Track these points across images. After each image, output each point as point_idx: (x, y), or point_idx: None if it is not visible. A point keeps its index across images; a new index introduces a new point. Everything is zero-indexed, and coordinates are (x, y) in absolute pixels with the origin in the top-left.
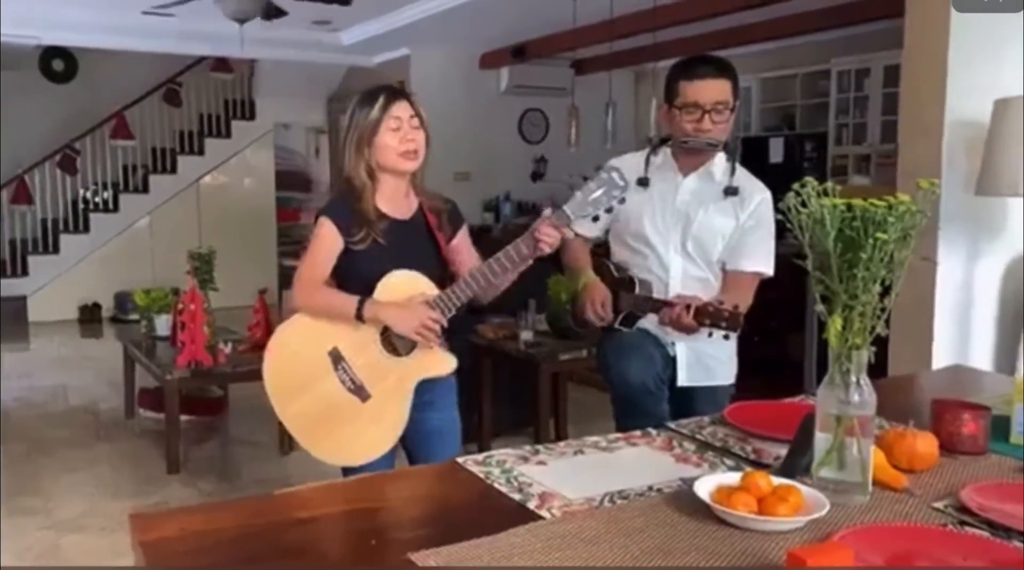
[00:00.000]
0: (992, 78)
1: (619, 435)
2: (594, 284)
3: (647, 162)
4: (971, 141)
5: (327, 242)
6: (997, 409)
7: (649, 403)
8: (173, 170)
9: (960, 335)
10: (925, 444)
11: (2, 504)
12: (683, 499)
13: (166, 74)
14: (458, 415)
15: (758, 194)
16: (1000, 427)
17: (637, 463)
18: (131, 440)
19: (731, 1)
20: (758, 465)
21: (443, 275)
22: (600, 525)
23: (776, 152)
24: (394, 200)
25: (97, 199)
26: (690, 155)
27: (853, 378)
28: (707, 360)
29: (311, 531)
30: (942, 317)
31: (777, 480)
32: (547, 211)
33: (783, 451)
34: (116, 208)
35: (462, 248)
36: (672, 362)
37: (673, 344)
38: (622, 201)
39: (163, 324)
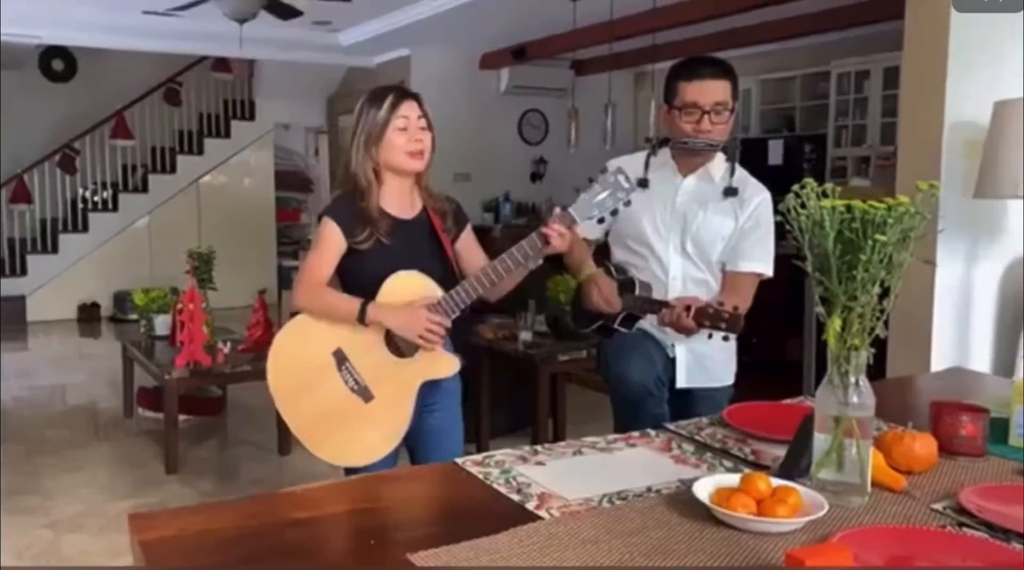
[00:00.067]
0: (992, 80)
1: (618, 436)
2: (599, 274)
3: (647, 163)
4: (970, 143)
5: (329, 243)
6: (996, 411)
7: (648, 404)
8: (172, 170)
9: (959, 337)
10: (924, 446)
11: (1, 503)
12: (682, 500)
13: (166, 74)
14: (461, 416)
15: (758, 195)
16: (999, 429)
17: (636, 464)
18: (130, 440)
19: (731, 3)
20: (757, 466)
21: (448, 275)
22: (599, 526)
23: (775, 154)
24: (398, 200)
25: (96, 199)
26: (689, 156)
27: (852, 379)
28: (706, 361)
29: (310, 531)
30: (941, 319)
31: (776, 481)
32: (557, 209)
33: (782, 452)
34: (115, 208)
35: (468, 247)
36: (671, 363)
37: (673, 345)
38: (627, 203)
39: (162, 324)
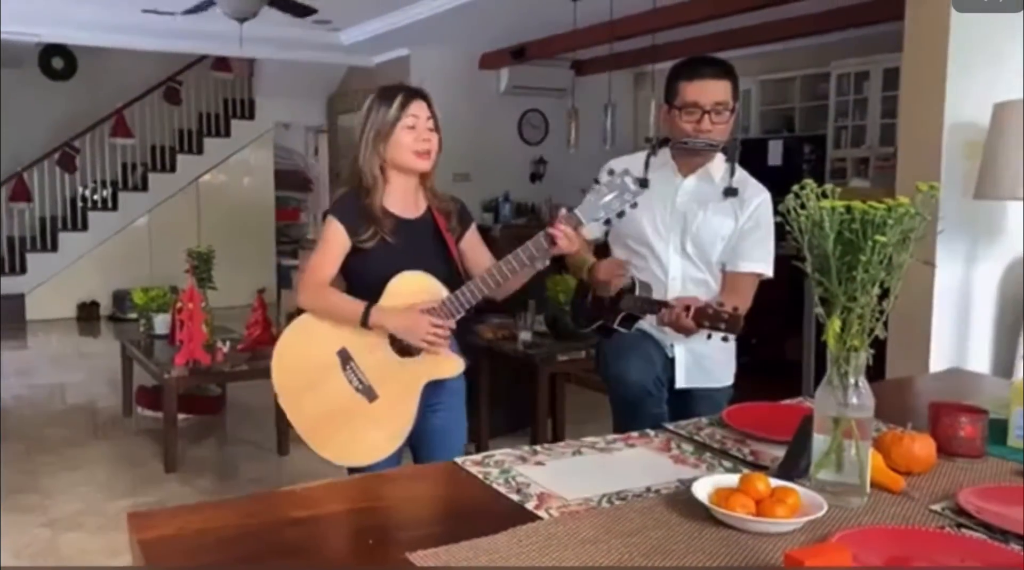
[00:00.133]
0: (992, 81)
1: (617, 436)
2: (602, 260)
3: (647, 163)
4: (970, 144)
5: (333, 242)
6: (994, 412)
7: (647, 404)
8: (172, 169)
9: (958, 338)
10: (923, 447)
11: (0, 502)
12: (681, 500)
13: (166, 73)
14: (464, 415)
15: (758, 195)
16: (997, 430)
17: (635, 464)
18: (129, 438)
19: (731, 3)
20: (756, 467)
21: (453, 275)
22: (598, 526)
23: (775, 154)
24: (403, 200)
25: (96, 197)
26: (690, 156)
27: (851, 380)
28: (706, 362)
29: (309, 530)
30: (940, 320)
31: (775, 482)
32: (563, 210)
33: (781, 453)
34: (115, 206)
35: (472, 246)
36: (671, 363)
37: (672, 345)
38: (634, 205)
39: (161, 323)
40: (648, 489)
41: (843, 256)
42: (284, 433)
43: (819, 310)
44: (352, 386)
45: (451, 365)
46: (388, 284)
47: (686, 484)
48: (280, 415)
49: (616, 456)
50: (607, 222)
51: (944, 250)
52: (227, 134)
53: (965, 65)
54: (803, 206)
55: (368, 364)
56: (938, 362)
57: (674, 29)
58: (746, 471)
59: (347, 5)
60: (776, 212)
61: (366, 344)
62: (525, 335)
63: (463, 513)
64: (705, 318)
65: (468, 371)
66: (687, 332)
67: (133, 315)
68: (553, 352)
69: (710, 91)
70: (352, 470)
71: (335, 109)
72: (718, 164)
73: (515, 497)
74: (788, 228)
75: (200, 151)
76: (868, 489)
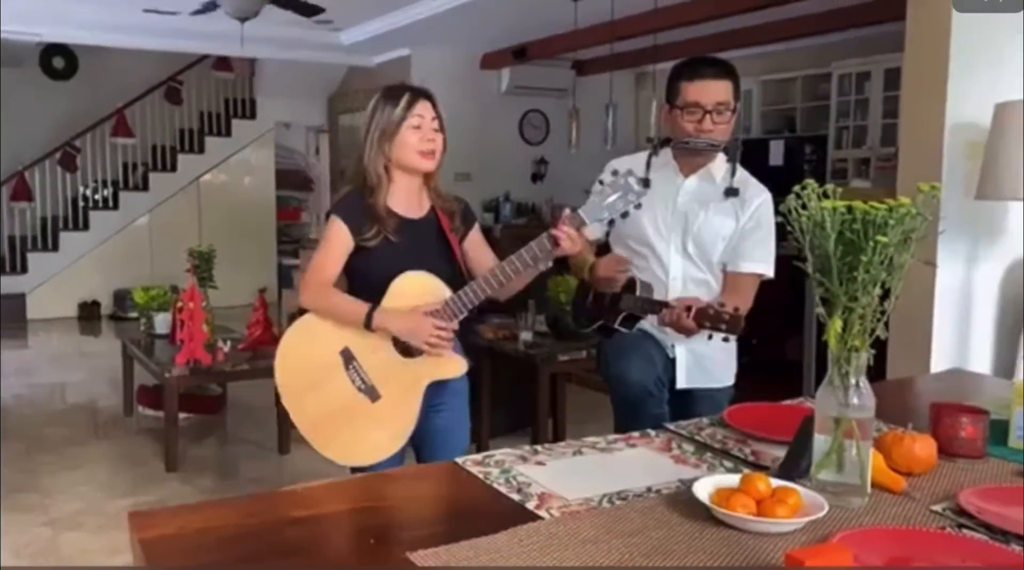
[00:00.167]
0: (993, 82)
1: (618, 436)
2: (605, 256)
3: (648, 163)
4: (971, 145)
5: (336, 242)
6: (995, 413)
7: (648, 404)
8: (173, 168)
9: (959, 339)
10: (924, 447)
11: (1, 501)
12: (682, 500)
13: (167, 72)
14: (468, 415)
15: (759, 196)
16: (998, 431)
17: (636, 464)
18: (129, 438)
19: (732, 3)
20: (757, 467)
21: (456, 276)
22: (599, 526)
23: (776, 155)
24: (406, 199)
25: (97, 197)
26: (691, 156)
27: (852, 380)
28: (707, 362)
29: (310, 530)
30: (941, 320)
31: (776, 482)
32: (567, 211)
33: (782, 453)
34: (116, 206)
35: (475, 246)
36: (672, 364)
37: (673, 346)
38: (638, 206)
39: (162, 322)
40: (649, 489)
41: (844, 256)
42: (285, 433)
43: (820, 310)
44: (355, 386)
45: (454, 366)
46: (391, 284)
47: (687, 484)
48: (281, 415)
49: (617, 456)
50: (610, 223)
51: (945, 250)
52: (228, 134)
53: (966, 65)
54: (804, 206)
55: (371, 364)
56: (939, 362)
57: (675, 29)
58: (747, 471)
59: (348, 5)
60: (777, 212)
61: (369, 344)
62: (526, 335)
63: (464, 513)
64: (706, 318)
65: (470, 371)
66: (688, 332)
67: (134, 314)
68: (554, 352)
69: (711, 91)
70: (355, 470)
71: (336, 109)
72: (719, 164)
73: (516, 497)
74: (789, 228)
75: (201, 151)
76: (869, 489)
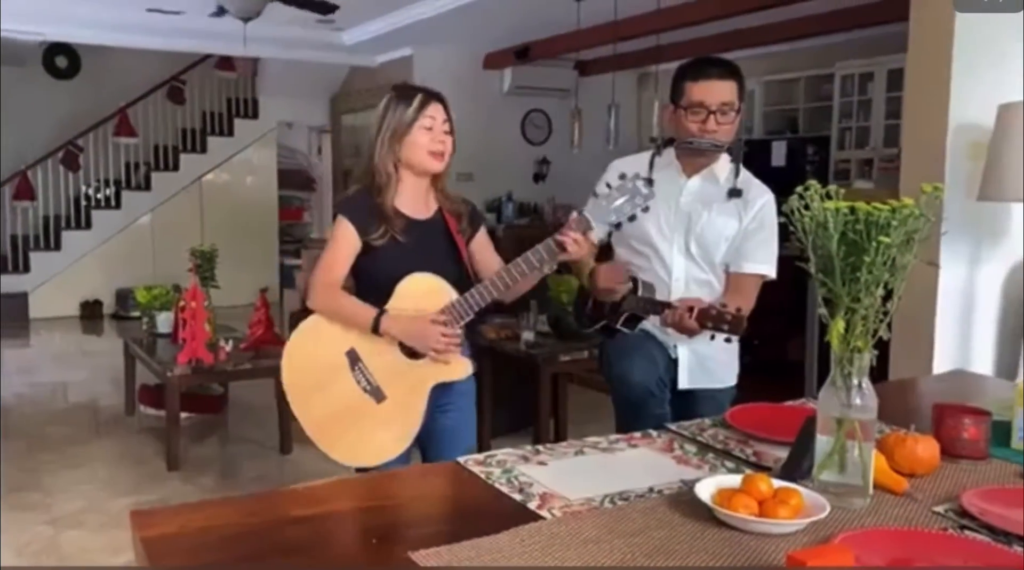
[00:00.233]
0: (996, 82)
1: (620, 436)
2: (600, 264)
3: (651, 163)
4: (974, 145)
5: (343, 242)
6: (998, 414)
7: (650, 405)
8: (175, 168)
9: (961, 340)
10: (926, 448)
11: (2, 499)
12: (684, 501)
13: (170, 72)
14: (474, 416)
15: (762, 197)
16: (1001, 432)
17: (638, 464)
18: (131, 437)
19: (735, 4)
20: (759, 467)
21: (463, 277)
22: (600, 526)
23: (779, 155)
24: (413, 199)
25: (99, 196)
26: (694, 156)
27: (855, 381)
28: (709, 363)
29: (311, 529)
30: (944, 321)
31: (778, 483)
32: (574, 214)
33: (784, 454)
34: (118, 205)
35: (481, 248)
36: (674, 364)
37: (675, 346)
38: (646, 209)
39: (164, 321)
40: (651, 489)
41: (847, 257)
42: (286, 432)
43: (822, 311)
44: (360, 387)
45: (460, 368)
46: (397, 286)
47: (689, 484)
48: (282, 414)
49: (619, 456)
50: (617, 226)
51: (948, 251)
52: (230, 133)
53: (969, 66)
54: (807, 207)
55: (377, 365)
56: (942, 363)
57: (678, 30)
58: (749, 472)
59: (350, 5)
60: (779, 213)
61: (375, 346)
62: (528, 335)
63: (466, 512)
64: (708, 319)
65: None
66: (690, 333)
67: (136, 313)
68: (555, 352)
69: (716, 91)
70: (360, 470)
71: (338, 109)
72: (723, 165)
73: (517, 497)
74: (792, 229)
75: (203, 150)
76: (871, 490)
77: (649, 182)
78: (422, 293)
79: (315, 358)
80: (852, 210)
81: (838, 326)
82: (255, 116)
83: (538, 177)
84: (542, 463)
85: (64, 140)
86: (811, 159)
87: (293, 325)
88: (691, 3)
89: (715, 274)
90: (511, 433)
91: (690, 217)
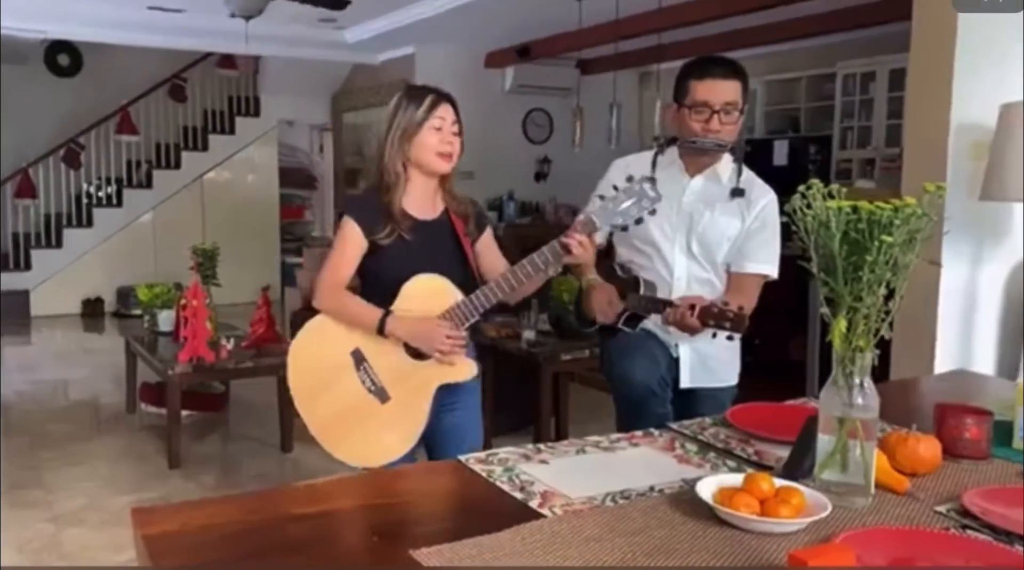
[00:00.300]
0: (998, 82)
1: (621, 435)
2: (599, 284)
3: (654, 162)
4: (977, 145)
5: (350, 243)
6: (1000, 414)
7: (652, 404)
8: (177, 166)
9: (963, 339)
10: (928, 448)
11: (3, 497)
12: (685, 500)
13: (171, 70)
14: (480, 414)
15: (764, 196)
16: (1003, 432)
17: (639, 463)
18: (132, 434)
19: (737, 3)
20: (760, 467)
21: (469, 279)
22: (602, 524)
23: (780, 155)
24: (420, 200)
25: (101, 194)
26: (697, 156)
27: (856, 380)
28: (710, 361)
29: (313, 527)
30: (945, 321)
31: (779, 482)
32: (580, 216)
33: (785, 453)
34: (119, 203)
35: (487, 249)
36: (675, 363)
37: (677, 345)
38: (653, 212)
39: (165, 319)
40: (652, 488)
41: (849, 256)
42: (287, 430)
43: (824, 310)
44: (365, 387)
45: (464, 369)
46: (403, 287)
47: (690, 483)
48: (284, 412)
49: (620, 455)
50: (624, 229)
51: (950, 251)
52: (232, 131)
53: (972, 66)
54: (809, 206)
55: (381, 366)
56: (943, 363)
57: (679, 29)
58: (750, 471)
59: (353, 3)
60: (781, 212)
61: (380, 346)
62: (529, 334)
63: (467, 511)
64: (710, 317)
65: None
66: (692, 331)
67: (137, 311)
68: (557, 351)
69: (720, 91)
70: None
71: (340, 107)
72: (725, 164)
73: (519, 495)
74: (794, 228)
75: (205, 148)
76: (872, 490)
77: (651, 180)
78: (428, 294)
79: (320, 358)
80: (854, 209)
81: (840, 325)
82: (256, 114)
83: (539, 176)
84: (543, 462)
85: (65, 138)
86: (813, 158)
87: (294, 323)
88: (693, 2)
89: (717, 273)
90: (512, 432)
91: (692, 217)
